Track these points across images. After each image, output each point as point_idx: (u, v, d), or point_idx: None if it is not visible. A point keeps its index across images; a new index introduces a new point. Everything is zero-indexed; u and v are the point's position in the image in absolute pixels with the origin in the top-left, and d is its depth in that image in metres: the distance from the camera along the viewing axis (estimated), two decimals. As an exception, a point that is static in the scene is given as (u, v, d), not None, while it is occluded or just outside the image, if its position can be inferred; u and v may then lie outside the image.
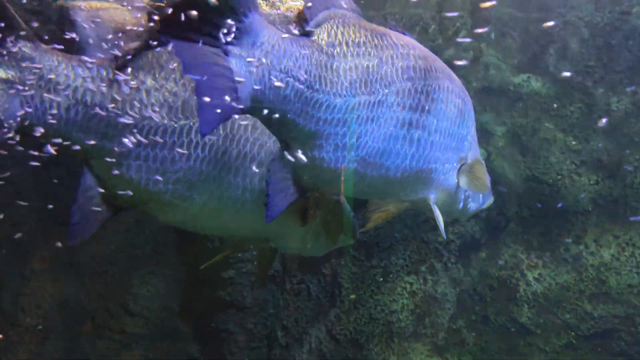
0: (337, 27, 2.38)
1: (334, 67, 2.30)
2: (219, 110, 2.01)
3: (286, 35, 2.25)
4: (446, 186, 2.74)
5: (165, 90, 2.57)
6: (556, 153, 4.70)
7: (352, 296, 4.34)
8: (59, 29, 3.28)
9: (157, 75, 2.58)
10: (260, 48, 2.13)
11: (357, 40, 2.37)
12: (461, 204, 2.92)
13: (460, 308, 4.63)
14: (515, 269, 4.67)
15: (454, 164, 2.74)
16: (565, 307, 4.56)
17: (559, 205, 4.61)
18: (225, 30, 2.06)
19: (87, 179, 2.59)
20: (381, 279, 4.41)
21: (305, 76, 2.23)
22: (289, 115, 2.24)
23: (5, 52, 2.42)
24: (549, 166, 4.69)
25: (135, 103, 2.54)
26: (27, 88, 2.45)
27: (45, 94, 2.46)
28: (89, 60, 2.55)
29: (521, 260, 4.69)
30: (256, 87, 2.13)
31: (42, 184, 3.47)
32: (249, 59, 2.10)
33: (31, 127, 2.48)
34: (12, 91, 2.43)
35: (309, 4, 2.39)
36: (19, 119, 2.43)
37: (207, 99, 1.99)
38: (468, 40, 4.40)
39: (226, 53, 2.06)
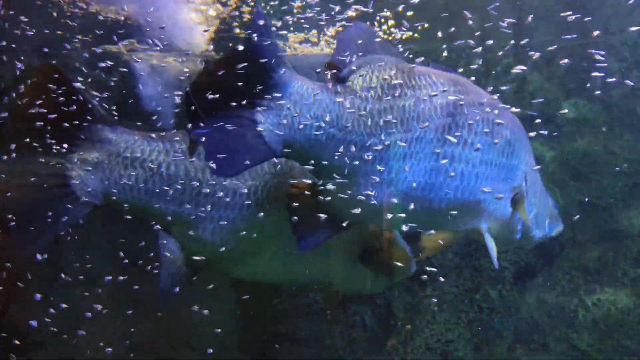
0: (373, 72, 2.52)
1: (368, 110, 2.43)
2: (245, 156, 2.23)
3: (316, 84, 2.43)
4: (499, 216, 2.77)
5: None
6: (608, 176, 4.65)
7: (408, 326, 4.36)
8: (122, 83, 3.54)
9: None
10: (289, 98, 2.34)
11: (392, 82, 2.49)
12: (520, 233, 2.93)
13: (518, 336, 4.57)
14: (573, 294, 4.60)
15: (506, 194, 2.76)
16: (627, 332, 4.44)
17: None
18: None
19: (170, 244, 2.79)
20: (436, 308, 4.41)
21: (336, 120, 2.39)
22: (323, 157, 2.41)
23: (87, 137, 2.68)
24: (601, 190, 4.64)
25: (207, 170, 2.74)
26: (108, 166, 2.69)
27: (124, 170, 2.70)
28: (163, 134, 2.79)
29: (579, 286, 4.62)
30: (287, 133, 2.33)
31: (109, 227, 3.68)
32: (277, 109, 2.31)
33: (114, 200, 2.71)
34: (95, 171, 2.68)
35: (337, 55, 2.55)
36: (101, 196, 2.67)
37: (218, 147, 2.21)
38: (521, 70, 4.45)
39: (253, 106, 2.29)
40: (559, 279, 4.66)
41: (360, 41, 2.56)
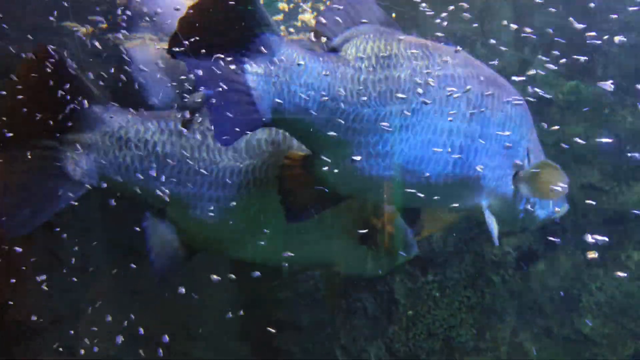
0: (367, 42, 2.46)
1: (361, 79, 2.37)
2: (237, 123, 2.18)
3: (307, 51, 2.37)
4: (501, 193, 2.72)
5: None
6: (611, 159, 4.61)
7: (410, 312, 4.33)
8: (117, 69, 3.50)
9: None
10: (277, 65, 2.28)
11: (387, 53, 2.43)
12: (523, 212, 2.88)
13: (521, 321, 4.54)
14: (576, 279, 4.56)
15: (507, 170, 2.72)
16: (631, 315, 4.41)
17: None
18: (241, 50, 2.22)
19: (161, 227, 2.75)
20: (437, 294, 4.38)
21: (328, 89, 2.33)
22: (314, 126, 2.35)
23: (80, 117, 2.64)
24: (604, 173, 4.59)
25: (203, 149, 2.70)
26: (102, 146, 2.65)
27: (119, 150, 2.66)
28: (157, 113, 2.74)
29: (582, 271, 4.58)
30: (276, 100, 2.26)
31: (106, 217, 3.65)
32: (266, 75, 2.25)
33: (109, 181, 2.68)
34: (90, 152, 2.64)
35: (322, 22, 2.49)
36: (96, 176, 2.63)
37: (222, 113, 2.14)
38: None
39: (243, 71, 2.22)
40: (562, 263, 4.62)
41: (353, 11, 2.50)
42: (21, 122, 2.56)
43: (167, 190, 2.71)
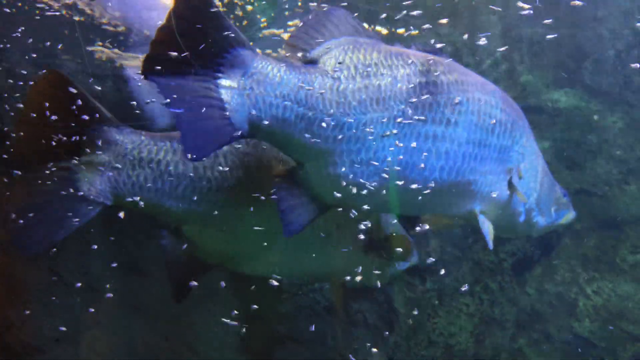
0: (346, 53, 2.46)
1: (340, 89, 2.38)
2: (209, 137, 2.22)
3: (282, 64, 2.38)
4: (495, 198, 2.70)
5: (239, 152, 2.75)
6: (602, 164, 4.67)
7: (410, 321, 4.35)
8: (115, 88, 3.55)
9: None
10: (251, 78, 2.30)
11: (367, 62, 2.44)
12: (522, 217, 2.85)
13: (520, 327, 4.56)
14: (573, 283, 4.60)
15: (500, 176, 2.70)
16: (628, 317, 4.44)
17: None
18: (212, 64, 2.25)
19: (174, 245, 2.79)
20: (437, 302, 4.41)
21: (305, 99, 2.34)
22: (294, 136, 2.36)
23: (94, 139, 2.69)
24: (596, 178, 4.65)
25: (216, 168, 2.74)
26: (116, 167, 2.70)
27: (132, 170, 2.70)
28: (169, 134, 2.79)
29: (578, 275, 4.62)
30: (252, 113, 2.29)
31: (109, 233, 3.68)
32: (240, 89, 2.28)
33: (123, 201, 2.70)
34: (103, 172, 2.68)
35: (296, 34, 2.51)
36: (111, 196, 2.67)
37: (192, 128, 2.18)
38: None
39: (216, 85, 2.25)
40: (558, 268, 4.66)
41: (331, 25, 2.51)
42: (36, 144, 2.60)
43: (180, 209, 2.73)
